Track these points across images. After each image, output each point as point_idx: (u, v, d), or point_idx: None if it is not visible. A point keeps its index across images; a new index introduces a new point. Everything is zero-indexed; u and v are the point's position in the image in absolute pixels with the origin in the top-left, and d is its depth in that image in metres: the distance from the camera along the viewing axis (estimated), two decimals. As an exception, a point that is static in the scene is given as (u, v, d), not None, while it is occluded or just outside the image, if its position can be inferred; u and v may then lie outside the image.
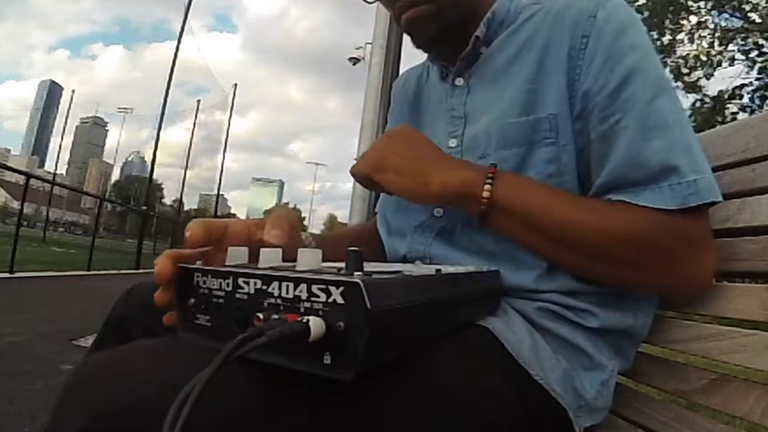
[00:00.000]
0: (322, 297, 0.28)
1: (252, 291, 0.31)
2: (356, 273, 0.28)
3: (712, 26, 11.40)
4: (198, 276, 0.34)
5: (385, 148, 0.54)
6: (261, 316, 0.28)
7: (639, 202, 0.47)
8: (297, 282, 0.29)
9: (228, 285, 0.32)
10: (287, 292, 0.29)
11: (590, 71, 0.51)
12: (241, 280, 0.31)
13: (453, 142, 0.61)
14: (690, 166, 0.46)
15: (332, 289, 0.27)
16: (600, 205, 0.50)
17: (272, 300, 0.30)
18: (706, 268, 0.49)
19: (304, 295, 0.28)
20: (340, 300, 0.27)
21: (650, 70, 0.50)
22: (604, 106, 0.50)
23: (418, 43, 0.64)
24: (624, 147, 0.48)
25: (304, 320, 0.26)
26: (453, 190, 0.50)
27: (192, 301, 0.34)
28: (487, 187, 0.49)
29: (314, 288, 0.28)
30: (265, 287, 0.30)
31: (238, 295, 0.32)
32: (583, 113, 0.52)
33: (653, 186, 0.47)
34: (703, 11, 11.37)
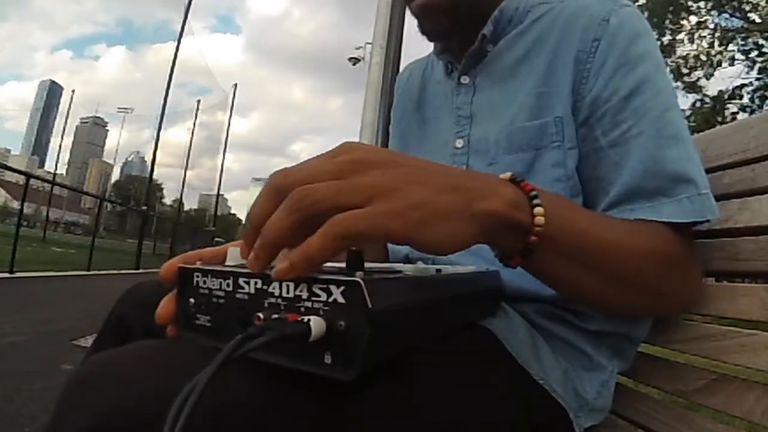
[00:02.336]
0: (323, 296, 0.27)
1: (252, 291, 0.31)
2: (357, 272, 0.27)
3: (712, 26, 11.40)
4: (198, 276, 0.34)
5: (400, 181, 0.30)
6: (261, 315, 0.27)
7: (662, 218, 0.46)
8: (297, 282, 0.28)
9: (228, 285, 0.32)
10: (288, 292, 0.29)
11: (600, 76, 0.51)
12: (241, 280, 0.31)
13: (460, 143, 0.60)
14: (702, 181, 0.47)
15: (333, 288, 0.27)
16: (631, 225, 0.46)
17: (273, 300, 0.29)
18: (701, 281, 0.52)
19: (304, 295, 0.28)
20: (341, 299, 0.27)
21: (662, 81, 0.50)
22: (615, 112, 0.49)
23: (424, 31, 0.63)
24: (639, 155, 0.47)
25: (305, 320, 0.26)
26: (503, 219, 0.34)
27: (192, 301, 0.34)
28: (538, 210, 0.36)
29: (315, 287, 0.28)
30: (265, 287, 0.30)
31: (238, 295, 0.31)
32: (589, 120, 0.51)
33: (671, 198, 0.46)
34: (703, 11, 11.37)
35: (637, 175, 0.47)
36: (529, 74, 0.57)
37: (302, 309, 0.28)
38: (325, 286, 0.27)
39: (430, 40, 0.66)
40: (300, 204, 0.28)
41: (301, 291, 0.28)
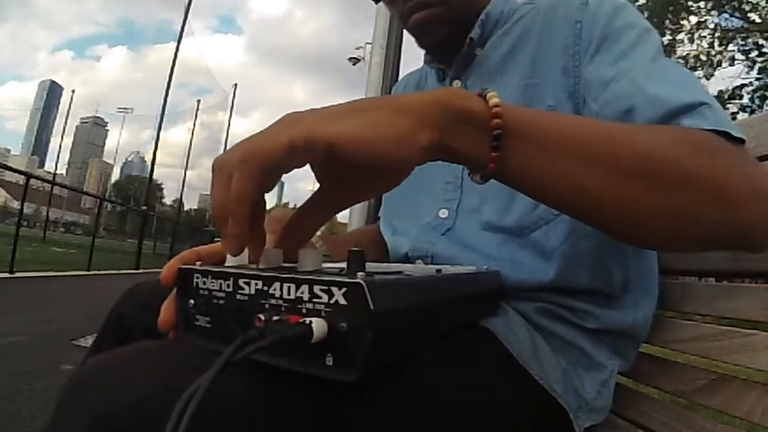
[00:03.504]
0: (324, 298, 0.27)
1: (252, 292, 0.31)
2: (359, 273, 0.27)
3: (712, 26, 11.40)
4: (197, 277, 0.34)
5: (307, 110, 0.31)
6: (262, 317, 0.27)
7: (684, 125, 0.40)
8: (299, 283, 0.28)
9: (228, 286, 0.32)
10: (289, 293, 0.29)
11: (587, 54, 0.51)
12: (241, 281, 0.31)
13: None
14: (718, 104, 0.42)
15: (334, 290, 0.27)
16: (644, 124, 0.41)
17: (273, 301, 0.29)
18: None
19: (305, 296, 0.28)
20: (342, 301, 0.27)
21: (649, 44, 0.50)
22: (603, 75, 0.49)
23: (423, 44, 0.65)
24: (636, 95, 0.44)
25: (307, 322, 0.26)
26: (444, 106, 0.31)
27: (192, 302, 0.34)
28: (490, 94, 0.33)
29: (316, 289, 0.28)
30: (266, 288, 0.30)
31: (238, 296, 0.31)
32: (587, 98, 0.51)
33: (689, 113, 0.40)
34: (703, 11, 11.37)
35: (644, 109, 0.43)
36: (515, 69, 0.58)
37: (303, 310, 0.28)
38: (326, 287, 0.27)
39: (430, 51, 0.67)
40: (219, 172, 0.30)
41: (302, 292, 0.28)
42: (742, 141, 0.39)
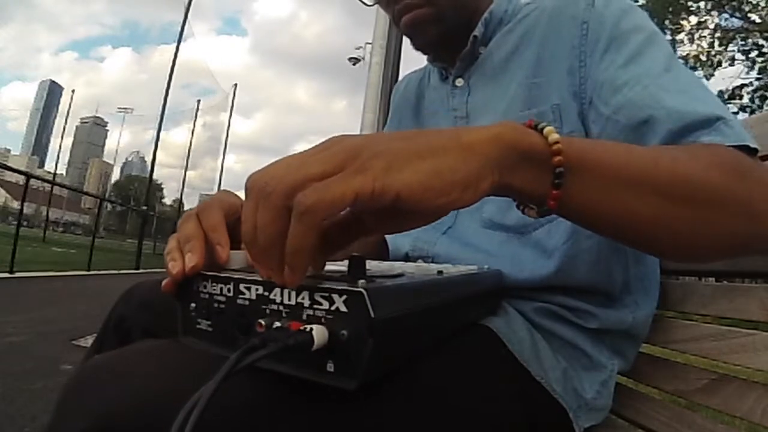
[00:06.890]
0: (325, 305, 0.27)
1: (253, 297, 0.31)
2: (360, 281, 0.27)
3: (712, 26, 11.38)
4: (197, 281, 0.34)
5: (365, 143, 0.28)
6: (263, 322, 0.27)
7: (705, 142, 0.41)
8: (299, 289, 0.28)
9: (229, 290, 0.32)
10: (289, 299, 0.29)
11: (595, 54, 0.51)
12: (242, 286, 0.31)
13: None
14: (732, 116, 0.43)
15: (335, 297, 0.27)
16: (676, 146, 0.42)
17: (274, 306, 0.29)
18: None
19: (306, 303, 0.28)
20: (343, 308, 0.27)
21: (657, 49, 0.49)
22: (613, 79, 0.48)
23: (417, 46, 0.65)
24: (652, 105, 0.44)
25: (308, 329, 0.26)
26: (505, 144, 0.30)
27: (193, 305, 0.34)
28: (548, 129, 0.32)
29: (317, 296, 0.28)
30: (266, 293, 0.30)
31: (239, 301, 0.31)
32: (593, 100, 0.50)
33: (707, 129, 0.42)
34: (703, 11, 11.36)
35: (661, 119, 0.43)
36: (519, 67, 0.58)
37: (304, 317, 0.28)
38: (327, 294, 0.27)
39: (425, 53, 0.67)
40: (263, 195, 0.27)
41: (302, 299, 0.28)
42: (757, 151, 0.41)
